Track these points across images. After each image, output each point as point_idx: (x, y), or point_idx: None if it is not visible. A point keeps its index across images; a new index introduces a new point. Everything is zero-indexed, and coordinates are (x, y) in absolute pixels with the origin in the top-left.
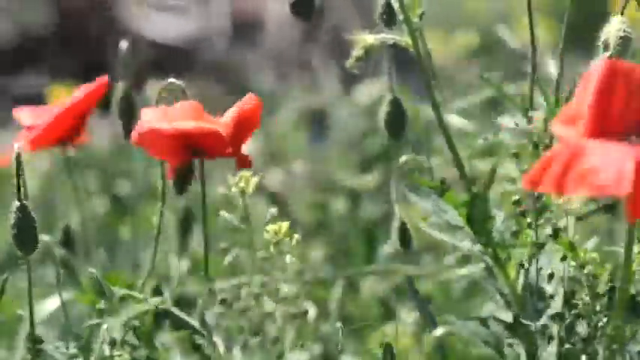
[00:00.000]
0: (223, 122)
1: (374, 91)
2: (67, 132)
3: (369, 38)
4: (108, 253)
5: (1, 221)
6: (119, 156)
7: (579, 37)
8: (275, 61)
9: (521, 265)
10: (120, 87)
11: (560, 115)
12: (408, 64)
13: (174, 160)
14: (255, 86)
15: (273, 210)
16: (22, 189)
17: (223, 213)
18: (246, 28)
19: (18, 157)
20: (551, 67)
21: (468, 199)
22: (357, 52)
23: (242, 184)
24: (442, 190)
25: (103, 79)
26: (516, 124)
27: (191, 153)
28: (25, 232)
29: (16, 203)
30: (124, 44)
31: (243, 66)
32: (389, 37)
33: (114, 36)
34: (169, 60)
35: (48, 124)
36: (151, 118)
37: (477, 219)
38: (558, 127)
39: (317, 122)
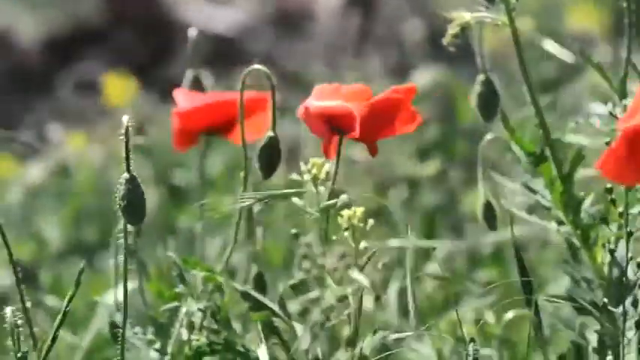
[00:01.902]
0: (365, 104)
1: (429, 77)
2: (219, 123)
3: (466, 16)
4: (166, 243)
5: (58, 212)
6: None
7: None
8: (325, 50)
9: (610, 251)
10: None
11: (624, 116)
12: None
13: (325, 137)
14: (306, 76)
15: (345, 196)
16: (130, 161)
17: (295, 200)
18: (295, 18)
19: (127, 130)
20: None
21: (561, 176)
22: (452, 29)
23: (314, 171)
24: (541, 158)
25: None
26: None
27: (334, 132)
28: (135, 204)
29: (126, 175)
30: (193, 32)
31: (292, 56)
32: (486, 15)
33: (167, 25)
34: (218, 50)
35: (202, 105)
36: (319, 94)
37: (569, 197)
38: (621, 124)
39: None
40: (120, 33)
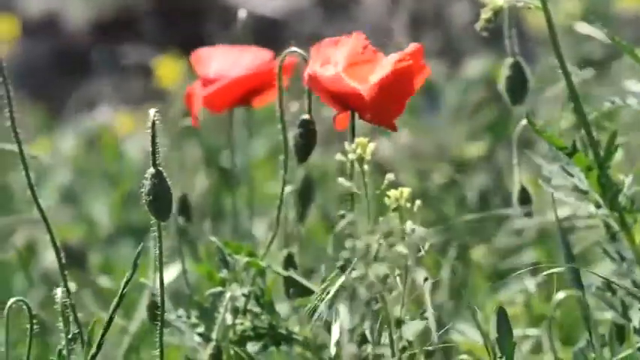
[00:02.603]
0: (371, 83)
1: (480, 65)
2: (245, 95)
3: (499, 0)
4: (214, 224)
5: (107, 193)
6: (221, 128)
7: None
8: (372, 33)
9: None
10: None
11: None
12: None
13: (336, 108)
14: None
15: (391, 175)
16: (157, 155)
17: (341, 180)
18: (342, 0)
19: (153, 124)
20: None
21: (597, 162)
22: (485, 14)
23: (359, 151)
24: (573, 150)
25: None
26: None
27: (342, 106)
28: (161, 199)
29: (151, 170)
30: (242, 13)
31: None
32: None
33: (213, 7)
34: (265, 32)
35: (228, 83)
36: (317, 60)
37: (605, 182)
38: None
39: (426, 94)
40: (167, 15)
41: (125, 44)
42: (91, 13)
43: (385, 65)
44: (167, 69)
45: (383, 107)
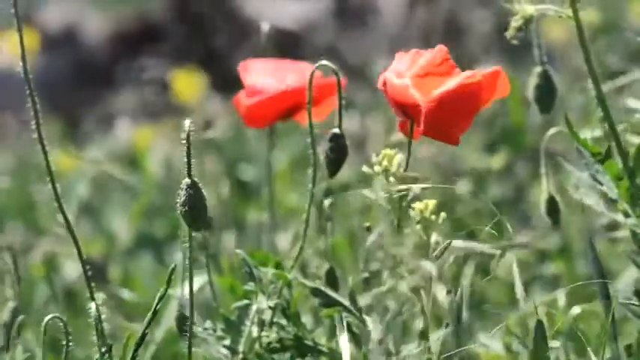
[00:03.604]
0: (434, 97)
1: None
2: (288, 111)
3: (529, 9)
4: (235, 237)
5: (126, 206)
6: (240, 140)
7: None
8: (390, 43)
9: None
10: None
11: None
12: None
13: (400, 116)
14: (370, 69)
15: (417, 188)
16: (191, 166)
17: (365, 191)
18: (359, 11)
19: (188, 135)
20: None
21: (628, 170)
22: (516, 22)
23: (385, 163)
24: (606, 156)
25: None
26: None
27: (404, 115)
28: (197, 209)
29: (187, 180)
30: (265, 26)
31: (357, 49)
32: (550, 8)
33: (231, 21)
34: (283, 44)
35: (271, 97)
36: (395, 67)
37: (634, 192)
38: None
39: None
40: (185, 29)
41: (145, 57)
42: (110, 27)
43: (453, 80)
44: (186, 82)
45: (441, 121)
